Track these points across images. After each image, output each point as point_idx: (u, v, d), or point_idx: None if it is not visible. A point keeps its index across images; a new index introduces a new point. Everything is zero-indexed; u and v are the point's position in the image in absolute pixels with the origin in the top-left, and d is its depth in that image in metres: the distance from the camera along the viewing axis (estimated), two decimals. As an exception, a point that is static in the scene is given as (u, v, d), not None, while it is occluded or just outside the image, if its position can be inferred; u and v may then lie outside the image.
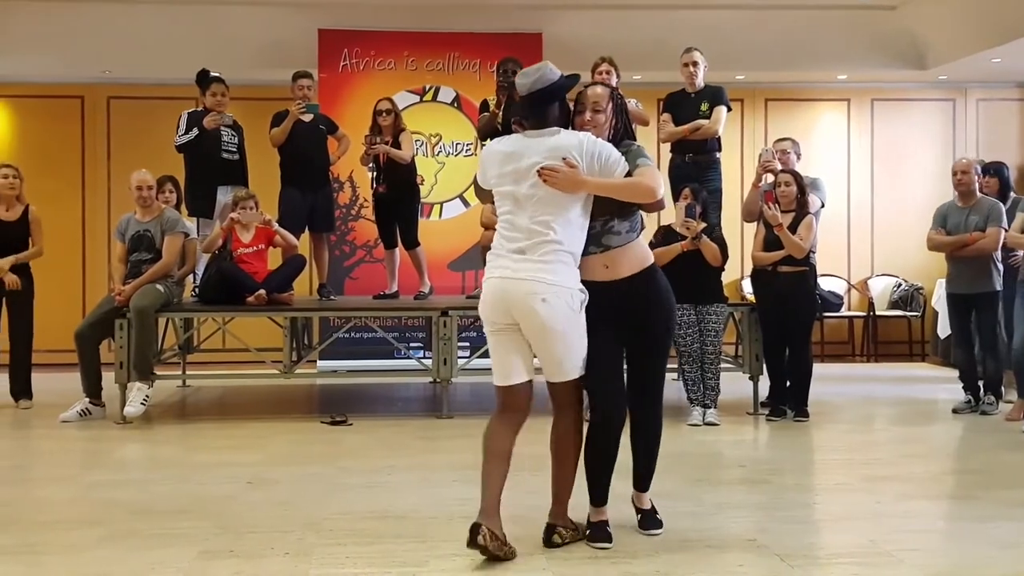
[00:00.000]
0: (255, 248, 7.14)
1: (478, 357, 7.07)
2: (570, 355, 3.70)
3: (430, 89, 9.59)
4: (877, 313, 10.82)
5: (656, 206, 3.82)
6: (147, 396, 6.65)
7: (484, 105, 7.38)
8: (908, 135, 11.10)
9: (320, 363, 8.85)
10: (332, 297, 7.91)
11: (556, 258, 3.62)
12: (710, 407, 6.61)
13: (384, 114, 7.51)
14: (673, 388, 7.35)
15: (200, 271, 7.41)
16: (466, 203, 9.49)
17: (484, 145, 5.41)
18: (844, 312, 10.86)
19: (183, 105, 8.36)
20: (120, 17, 9.42)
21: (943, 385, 8.36)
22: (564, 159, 3.63)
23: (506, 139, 3.88)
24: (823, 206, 7.22)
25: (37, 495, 4.86)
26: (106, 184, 10.45)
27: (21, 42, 9.45)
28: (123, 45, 9.54)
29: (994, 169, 7.54)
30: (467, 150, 9.56)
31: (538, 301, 3.59)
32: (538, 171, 3.63)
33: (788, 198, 6.76)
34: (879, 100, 11.14)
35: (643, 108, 7.49)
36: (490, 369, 3.82)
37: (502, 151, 3.80)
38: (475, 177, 4.01)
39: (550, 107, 3.76)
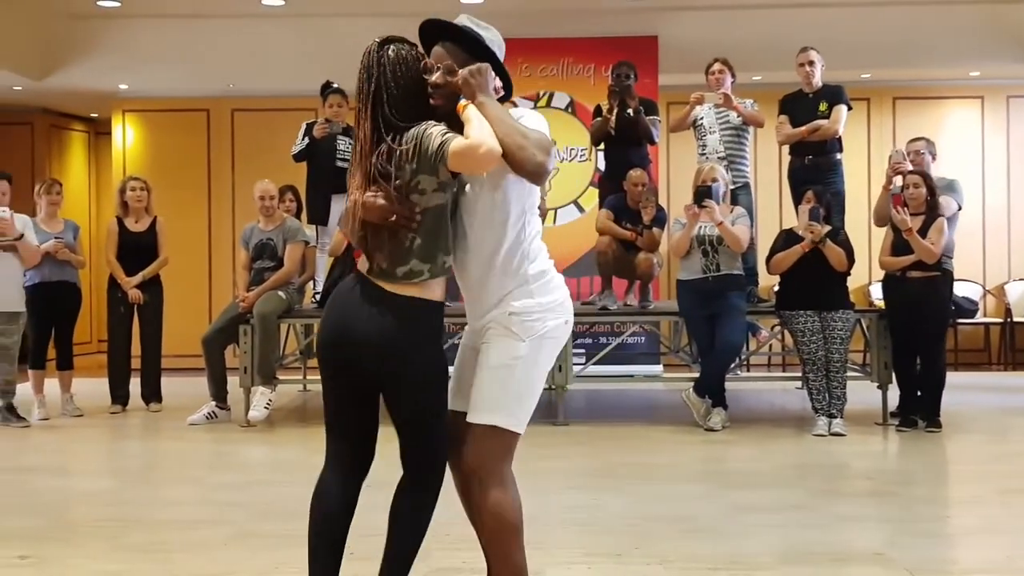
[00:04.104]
0: (373, 254, 7.23)
1: (594, 363, 6.98)
2: None
3: (544, 95, 9.57)
4: (1015, 320, 10.32)
5: None
6: (270, 400, 6.80)
7: (597, 110, 7.39)
8: (1047, 133, 10.56)
9: (436, 369, 8.88)
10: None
11: None
12: (836, 417, 6.39)
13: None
14: (798, 397, 7.16)
15: (320, 278, 7.55)
16: (580, 209, 9.42)
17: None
18: (979, 319, 10.40)
19: (304, 116, 8.54)
20: (243, 32, 9.72)
21: (1087, 395, 7.91)
22: None
23: None
24: (960, 209, 6.90)
25: (166, 495, 5.02)
26: (230, 194, 10.80)
27: (150, 59, 9.84)
28: (246, 59, 9.84)
29: None
30: (582, 156, 9.49)
31: None
32: None
33: (917, 200, 6.49)
34: (1015, 97, 10.64)
35: (759, 109, 7.33)
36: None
37: None
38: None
39: None
